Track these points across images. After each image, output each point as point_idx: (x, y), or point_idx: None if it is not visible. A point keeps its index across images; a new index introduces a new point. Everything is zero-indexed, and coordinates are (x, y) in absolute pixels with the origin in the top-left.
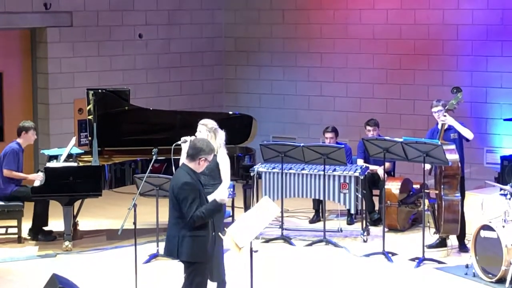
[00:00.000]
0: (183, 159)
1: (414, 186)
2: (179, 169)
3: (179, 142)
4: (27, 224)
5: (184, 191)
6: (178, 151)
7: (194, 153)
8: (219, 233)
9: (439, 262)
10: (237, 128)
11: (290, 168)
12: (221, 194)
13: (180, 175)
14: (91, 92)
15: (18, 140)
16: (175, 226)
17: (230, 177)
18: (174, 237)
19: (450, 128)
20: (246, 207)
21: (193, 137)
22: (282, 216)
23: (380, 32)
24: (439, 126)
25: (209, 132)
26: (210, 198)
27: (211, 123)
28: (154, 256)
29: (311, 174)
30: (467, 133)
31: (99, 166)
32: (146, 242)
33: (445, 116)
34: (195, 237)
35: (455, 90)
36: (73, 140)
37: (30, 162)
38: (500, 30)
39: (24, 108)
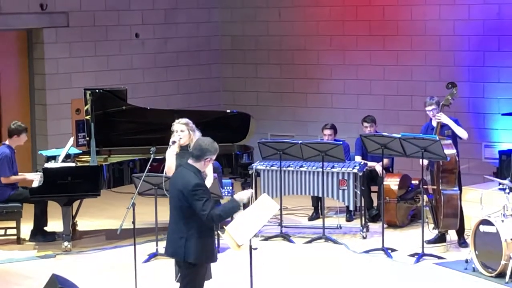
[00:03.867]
0: (172, 160)
1: (413, 182)
2: (183, 170)
3: (171, 145)
4: (25, 225)
5: (197, 192)
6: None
7: (200, 154)
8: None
9: (439, 258)
10: (235, 127)
11: (289, 166)
12: (241, 194)
13: (188, 176)
14: (88, 92)
15: (8, 142)
16: (181, 226)
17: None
18: (180, 238)
19: (445, 124)
20: (245, 204)
21: (179, 138)
22: (281, 214)
23: (377, 28)
24: (434, 123)
25: (191, 130)
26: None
27: (190, 121)
28: (153, 256)
29: (309, 171)
30: (461, 132)
31: (97, 166)
32: (145, 242)
33: (440, 114)
34: (202, 239)
35: (450, 86)
36: (71, 141)
37: (28, 163)
38: (497, 25)
39: (21, 109)
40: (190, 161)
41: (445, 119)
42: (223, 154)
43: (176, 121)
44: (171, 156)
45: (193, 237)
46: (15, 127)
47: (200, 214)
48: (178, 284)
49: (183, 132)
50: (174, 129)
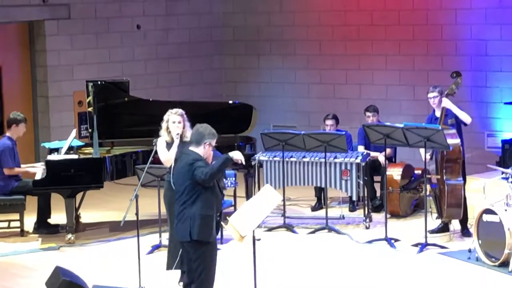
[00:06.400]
0: (165, 151)
1: (416, 171)
2: (183, 156)
3: (176, 137)
4: (29, 218)
5: (196, 163)
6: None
7: (199, 138)
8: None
9: (442, 247)
10: (237, 118)
11: (291, 156)
12: (236, 153)
13: (186, 158)
14: (90, 84)
15: (8, 133)
16: (186, 208)
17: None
18: (185, 219)
19: (447, 114)
20: (248, 196)
21: (181, 130)
22: (284, 205)
23: (378, 18)
24: (437, 114)
25: (185, 121)
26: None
27: (183, 112)
28: (157, 247)
29: (312, 162)
30: (465, 117)
31: (100, 158)
32: (149, 233)
33: (443, 99)
34: (204, 216)
35: (454, 75)
36: (74, 133)
37: (31, 155)
38: (499, 14)
39: (23, 101)
40: (191, 148)
41: (447, 103)
42: (226, 145)
43: (171, 111)
44: (163, 148)
45: (196, 214)
46: (13, 117)
47: (198, 177)
48: (171, 271)
49: (180, 123)
50: (169, 120)
